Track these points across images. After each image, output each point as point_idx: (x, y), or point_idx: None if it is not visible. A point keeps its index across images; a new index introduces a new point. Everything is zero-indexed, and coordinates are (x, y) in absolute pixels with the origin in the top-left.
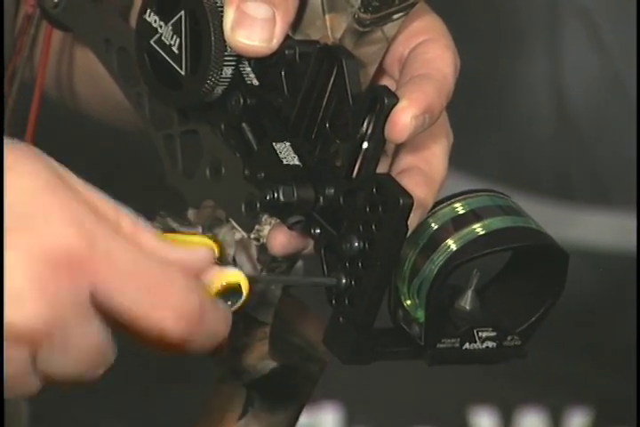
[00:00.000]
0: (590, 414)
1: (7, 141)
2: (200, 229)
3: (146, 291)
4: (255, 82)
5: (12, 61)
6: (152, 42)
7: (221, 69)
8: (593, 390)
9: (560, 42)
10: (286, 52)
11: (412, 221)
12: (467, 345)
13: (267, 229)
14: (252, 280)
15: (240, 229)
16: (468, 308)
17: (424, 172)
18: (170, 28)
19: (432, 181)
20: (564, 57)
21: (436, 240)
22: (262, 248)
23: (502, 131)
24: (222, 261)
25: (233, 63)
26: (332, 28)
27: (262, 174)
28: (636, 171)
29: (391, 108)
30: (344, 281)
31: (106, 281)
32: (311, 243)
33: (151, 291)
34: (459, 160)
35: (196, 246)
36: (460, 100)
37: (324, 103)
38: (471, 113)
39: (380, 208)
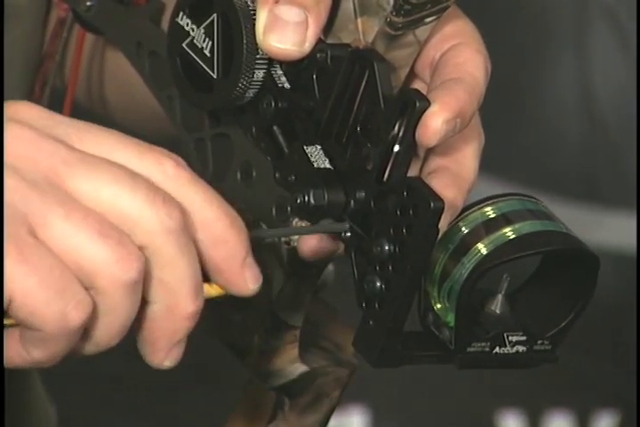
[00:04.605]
0: (617, 417)
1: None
2: None
3: None
4: (287, 85)
5: (43, 66)
6: (184, 45)
7: (253, 73)
8: (620, 393)
9: (588, 44)
10: (318, 55)
11: (443, 223)
12: (497, 349)
13: None
14: (259, 236)
15: None
16: (498, 312)
17: (454, 173)
18: (202, 31)
19: (462, 182)
20: (592, 59)
21: (467, 244)
22: (293, 251)
23: (529, 133)
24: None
25: (265, 66)
26: (363, 31)
27: (293, 178)
28: (636, 172)
29: (422, 112)
30: (378, 284)
31: None
32: (341, 246)
33: None
34: (486, 162)
35: None
36: (488, 102)
37: (356, 107)
38: (499, 116)
39: (411, 212)
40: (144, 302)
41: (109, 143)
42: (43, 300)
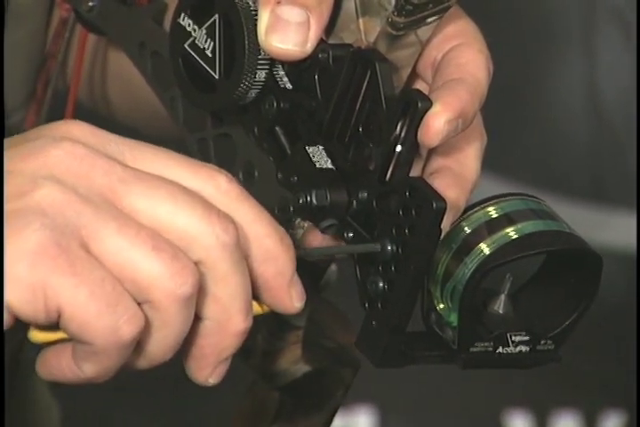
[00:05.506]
0: (624, 417)
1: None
2: None
3: None
4: (289, 85)
5: (45, 66)
6: (186, 45)
7: (255, 73)
8: (627, 393)
9: (595, 43)
10: (320, 55)
11: (445, 223)
12: (500, 349)
13: (300, 232)
14: (300, 254)
15: None
16: (501, 312)
17: (456, 173)
18: (204, 31)
19: (464, 182)
20: (598, 59)
21: (470, 244)
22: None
23: (536, 134)
24: None
25: (266, 67)
26: (365, 31)
27: (295, 178)
28: (636, 173)
29: (424, 112)
30: (381, 284)
31: None
32: None
33: None
34: (492, 163)
35: None
36: (495, 102)
37: (358, 107)
38: (506, 115)
39: (414, 212)
40: (195, 318)
41: (162, 160)
42: (93, 313)
